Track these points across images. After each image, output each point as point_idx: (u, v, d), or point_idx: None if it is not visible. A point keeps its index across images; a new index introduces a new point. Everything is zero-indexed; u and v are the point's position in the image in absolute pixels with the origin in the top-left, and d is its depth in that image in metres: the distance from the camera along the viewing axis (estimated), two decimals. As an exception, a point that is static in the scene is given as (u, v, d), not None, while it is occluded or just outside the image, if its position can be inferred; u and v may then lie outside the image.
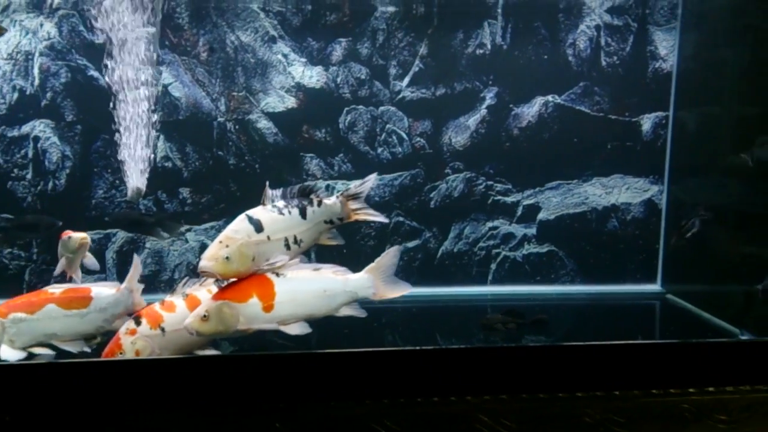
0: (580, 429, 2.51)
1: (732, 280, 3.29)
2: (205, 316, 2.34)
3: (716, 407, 2.56)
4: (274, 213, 2.52)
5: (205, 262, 2.38)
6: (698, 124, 3.59)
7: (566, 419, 2.50)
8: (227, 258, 2.38)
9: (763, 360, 2.65)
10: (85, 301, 2.60)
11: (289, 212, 2.55)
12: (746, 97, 3.18)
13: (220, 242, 2.41)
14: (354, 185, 2.69)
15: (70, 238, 2.83)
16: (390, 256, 2.56)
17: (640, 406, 2.53)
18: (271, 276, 2.45)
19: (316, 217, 2.59)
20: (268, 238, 2.47)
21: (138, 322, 2.49)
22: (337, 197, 2.64)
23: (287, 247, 2.53)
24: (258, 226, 2.46)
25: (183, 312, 2.51)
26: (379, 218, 2.74)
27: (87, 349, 2.62)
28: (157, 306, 2.55)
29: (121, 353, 2.45)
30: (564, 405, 2.49)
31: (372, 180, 2.70)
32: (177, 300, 2.58)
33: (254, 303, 2.39)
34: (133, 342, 2.47)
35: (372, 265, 2.55)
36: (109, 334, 2.57)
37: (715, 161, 3.45)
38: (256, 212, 2.50)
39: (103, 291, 2.65)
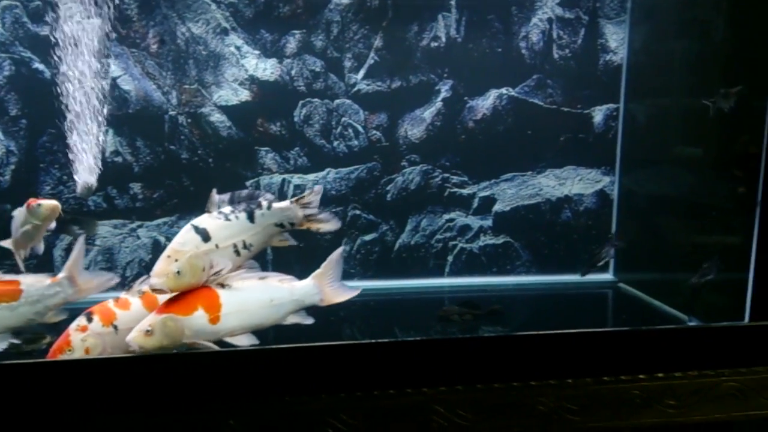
0: (534, 417, 2.54)
1: (681, 269, 3.36)
2: (148, 330, 2.28)
3: (665, 392, 2.62)
4: (220, 220, 2.47)
5: (156, 278, 2.33)
6: (648, 116, 3.65)
7: (520, 408, 2.53)
8: (178, 272, 2.33)
9: (710, 345, 2.72)
10: (15, 293, 2.44)
11: (237, 217, 2.50)
12: (694, 89, 3.25)
13: (168, 257, 2.36)
14: (306, 193, 2.64)
15: (40, 205, 2.66)
16: (334, 259, 2.54)
17: (592, 393, 2.57)
18: (216, 287, 2.41)
19: (265, 220, 2.55)
20: (217, 246, 2.42)
21: (90, 319, 2.42)
22: (291, 202, 2.61)
23: (237, 253, 2.48)
24: (205, 236, 2.41)
25: (138, 310, 2.47)
26: (332, 226, 2.69)
27: (15, 341, 2.50)
28: (110, 303, 2.49)
29: (69, 350, 2.38)
30: (518, 394, 2.52)
31: (319, 190, 2.66)
32: (132, 298, 2.52)
33: (200, 315, 2.35)
34: (83, 339, 2.40)
35: (318, 270, 2.53)
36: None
37: (665, 152, 3.51)
38: (202, 221, 2.45)
39: (35, 282, 2.48)
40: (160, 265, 2.36)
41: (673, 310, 3.26)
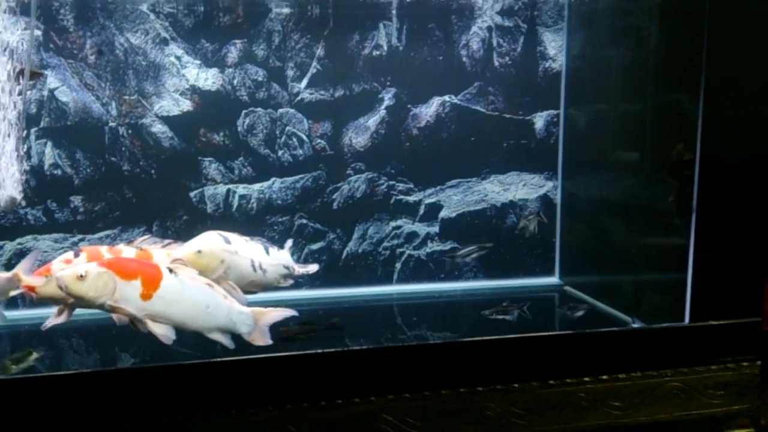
0: (481, 422, 2.57)
1: (624, 271, 3.43)
2: (82, 275, 2.25)
3: (610, 394, 2.67)
4: (241, 237, 2.80)
5: (181, 251, 2.57)
6: (588, 121, 3.72)
7: (468, 413, 2.55)
8: (199, 251, 2.58)
9: (653, 346, 2.77)
10: None
11: (254, 243, 2.85)
12: (630, 95, 3.32)
13: (193, 241, 2.65)
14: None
15: None
16: (281, 314, 2.57)
17: (539, 397, 2.61)
18: (162, 268, 2.39)
19: (275, 259, 2.90)
20: (236, 252, 2.72)
21: (77, 255, 2.52)
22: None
23: (253, 269, 2.78)
24: (227, 240, 2.72)
25: None
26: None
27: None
28: (103, 248, 2.58)
29: (47, 277, 2.48)
30: (466, 400, 2.55)
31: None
32: (127, 249, 2.62)
33: (135, 285, 2.32)
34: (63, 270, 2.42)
35: (262, 308, 2.54)
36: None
37: (604, 156, 3.58)
38: (225, 233, 2.76)
39: None
40: (187, 243, 2.64)
41: (617, 312, 3.31)
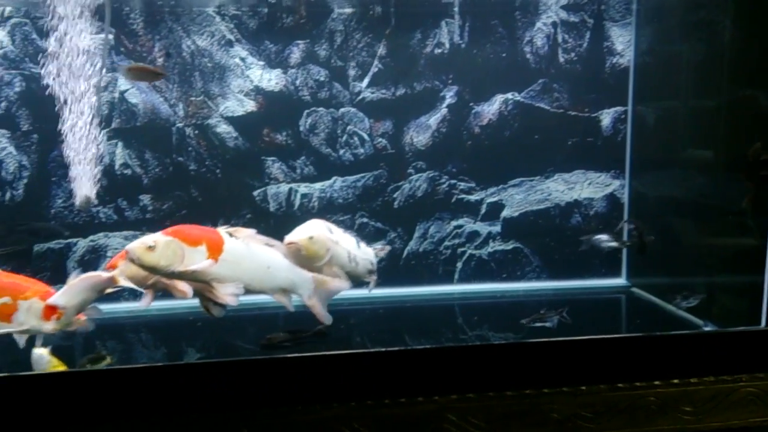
0: (547, 425, 2.51)
1: (695, 272, 3.33)
2: (151, 246, 2.32)
3: (682, 399, 2.58)
4: (337, 228, 2.87)
5: (294, 236, 2.61)
6: (657, 118, 3.63)
7: (534, 416, 2.50)
8: (311, 237, 2.63)
9: (726, 350, 2.68)
10: None
11: (348, 236, 2.91)
12: (702, 91, 3.22)
13: (303, 227, 2.69)
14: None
15: None
16: (340, 286, 2.68)
17: (607, 400, 2.54)
18: (223, 234, 2.47)
19: (364, 253, 2.96)
20: (338, 242, 2.78)
21: None
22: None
23: (348, 259, 2.84)
24: (330, 230, 2.79)
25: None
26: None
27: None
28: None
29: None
30: (531, 402, 2.49)
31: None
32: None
33: (201, 251, 2.39)
34: None
35: (323, 276, 2.64)
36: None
37: (674, 154, 3.48)
38: (326, 222, 2.84)
39: None
40: (298, 228, 2.67)
41: (687, 314, 3.22)
